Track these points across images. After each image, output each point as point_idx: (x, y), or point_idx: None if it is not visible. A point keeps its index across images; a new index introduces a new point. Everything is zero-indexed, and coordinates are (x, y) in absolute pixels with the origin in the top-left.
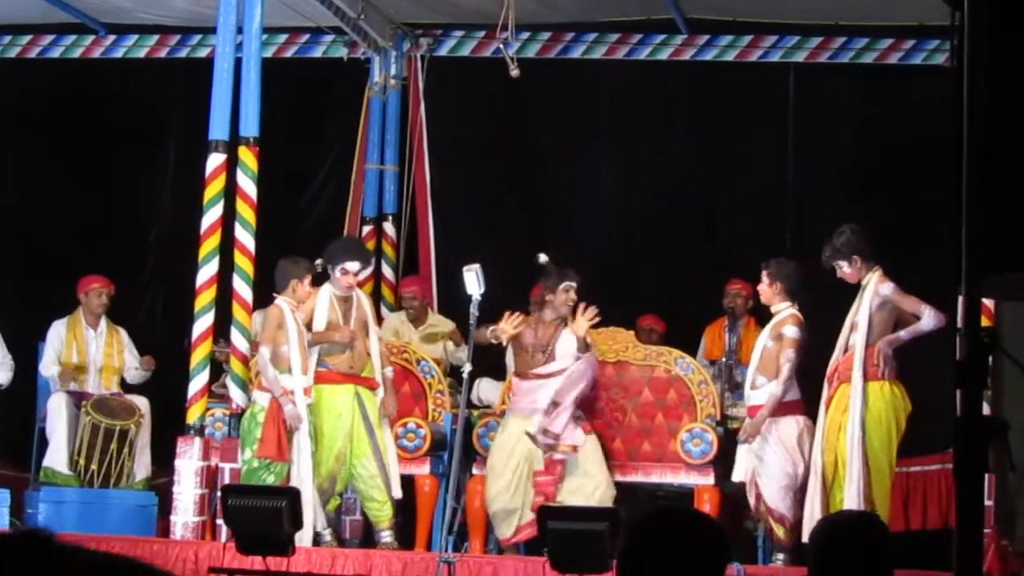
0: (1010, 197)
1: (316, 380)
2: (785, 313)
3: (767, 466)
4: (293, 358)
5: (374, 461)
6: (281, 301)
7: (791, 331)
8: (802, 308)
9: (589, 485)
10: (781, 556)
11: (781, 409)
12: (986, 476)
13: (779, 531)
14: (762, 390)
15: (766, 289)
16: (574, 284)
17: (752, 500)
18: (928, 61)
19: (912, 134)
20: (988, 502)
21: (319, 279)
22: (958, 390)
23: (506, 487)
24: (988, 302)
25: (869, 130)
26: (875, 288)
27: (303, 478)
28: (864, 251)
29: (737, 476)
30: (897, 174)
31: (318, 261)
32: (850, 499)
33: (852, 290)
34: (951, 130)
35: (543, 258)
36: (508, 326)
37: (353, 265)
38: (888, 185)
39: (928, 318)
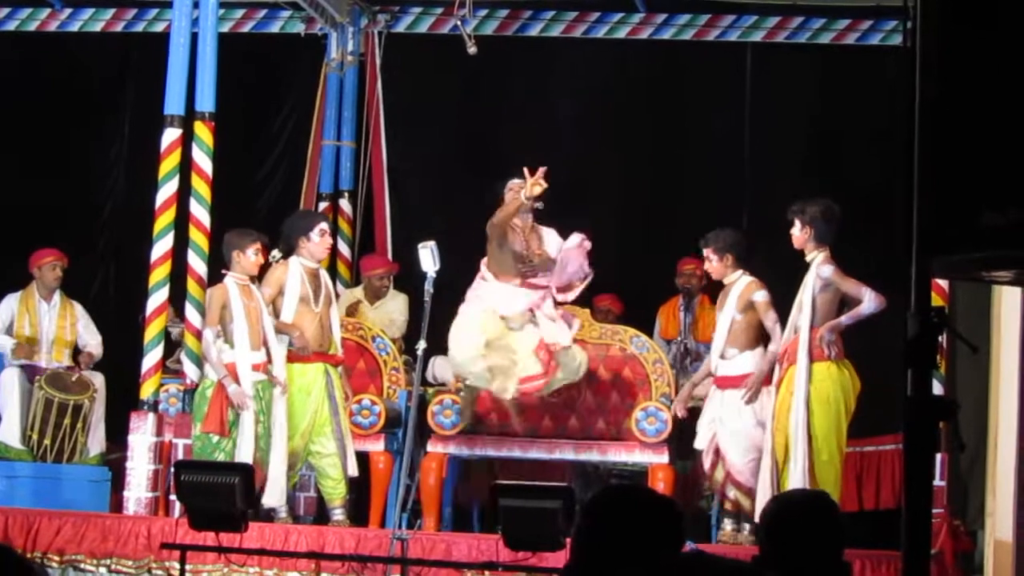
0: (960, 177)
1: (286, 359)
2: (744, 281)
3: (739, 437)
4: (239, 334)
5: (333, 440)
6: (228, 279)
7: (762, 295)
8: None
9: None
10: (747, 527)
11: (764, 381)
12: (938, 456)
13: (746, 503)
14: (734, 361)
15: (716, 265)
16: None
17: (707, 467)
18: (885, 42)
19: (868, 114)
20: (941, 482)
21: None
22: (908, 370)
23: (474, 359)
24: (942, 282)
25: (826, 110)
26: (817, 270)
27: (243, 457)
28: (820, 230)
29: (699, 443)
30: (853, 154)
31: (274, 253)
32: (795, 479)
33: (805, 267)
34: (903, 111)
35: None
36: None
37: (326, 225)
38: (844, 165)
39: (869, 301)
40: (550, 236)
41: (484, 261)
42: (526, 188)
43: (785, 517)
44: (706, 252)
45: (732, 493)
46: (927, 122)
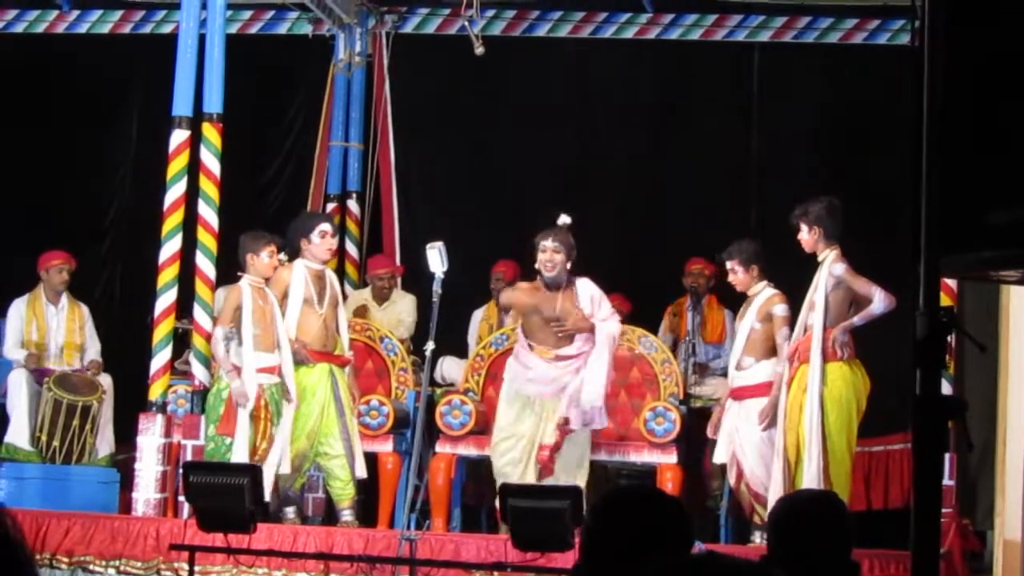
0: (968, 176)
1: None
2: (768, 293)
3: (763, 446)
4: (247, 336)
5: (341, 441)
6: (243, 281)
7: (781, 309)
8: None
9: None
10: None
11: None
12: (947, 455)
13: (764, 513)
14: (751, 370)
15: (743, 277)
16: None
17: (733, 482)
18: (893, 41)
19: (876, 114)
20: (950, 481)
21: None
22: (917, 369)
23: (512, 465)
24: (950, 281)
25: (834, 109)
26: (829, 268)
27: (239, 456)
28: (828, 227)
29: (720, 458)
30: (861, 153)
31: (282, 255)
32: (809, 478)
33: (814, 267)
34: (912, 110)
35: (565, 219)
36: None
37: (328, 226)
38: (852, 165)
39: (879, 301)
40: (584, 289)
41: (520, 326)
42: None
43: (793, 517)
44: (731, 264)
45: (756, 506)
46: (935, 121)
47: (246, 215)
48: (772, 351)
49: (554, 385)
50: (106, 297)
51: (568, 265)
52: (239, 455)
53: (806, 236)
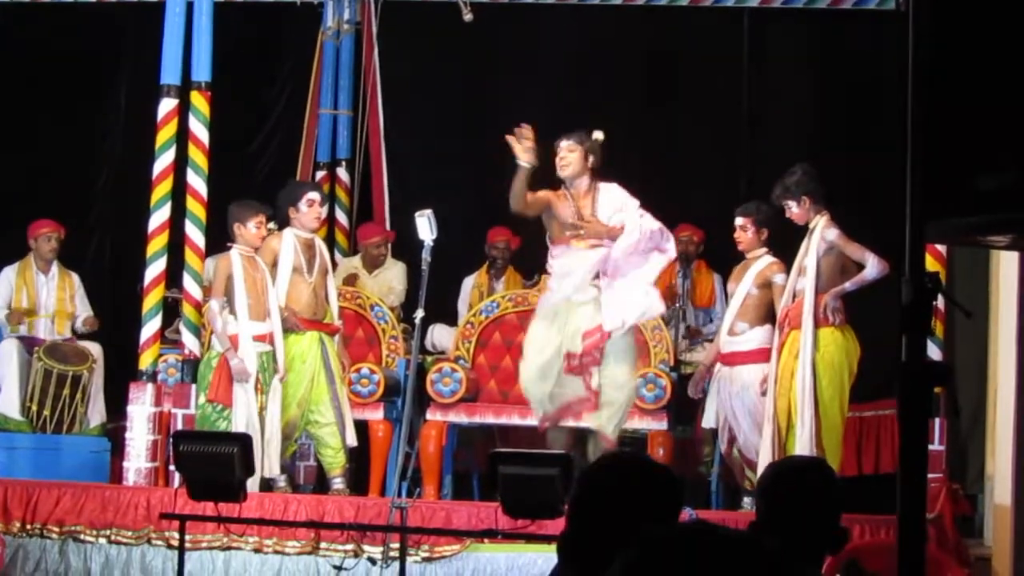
0: (955, 141)
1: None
2: (767, 260)
3: (758, 412)
4: (240, 306)
5: (331, 409)
6: (233, 251)
7: (782, 279)
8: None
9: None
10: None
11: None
12: (937, 420)
13: (754, 478)
14: (743, 336)
15: (750, 236)
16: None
17: (725, 448)
18: (882, 6)
19: (867, 79)
20: (940, 446)
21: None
22: (903, 335)
23: (538, 376)
24: (941, 247)
25: (824, 75)
26: (821, 233)
27: (240, 428)
28: (814, 192)
29: (709, 422)
30: (853, 119)
31: (271, 224)
32: (801, 444)
33: (801, 234)
34: (899, 74)
35: (598, 135)
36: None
37: (315, 195)
38: (844, 130)
39: (872, 266)
40: (607, 196)
41: (548, 233)
42: (519, 156)
43: (782, 483)
44: (744, 221)
45: (747, 472)
46: (921, 85)
47: (235, 184)
48: (765, 317)
49: (584, 267)
50: (95, 266)
51: (588, 165)
52: (239, 424)
53: (796, 210)
